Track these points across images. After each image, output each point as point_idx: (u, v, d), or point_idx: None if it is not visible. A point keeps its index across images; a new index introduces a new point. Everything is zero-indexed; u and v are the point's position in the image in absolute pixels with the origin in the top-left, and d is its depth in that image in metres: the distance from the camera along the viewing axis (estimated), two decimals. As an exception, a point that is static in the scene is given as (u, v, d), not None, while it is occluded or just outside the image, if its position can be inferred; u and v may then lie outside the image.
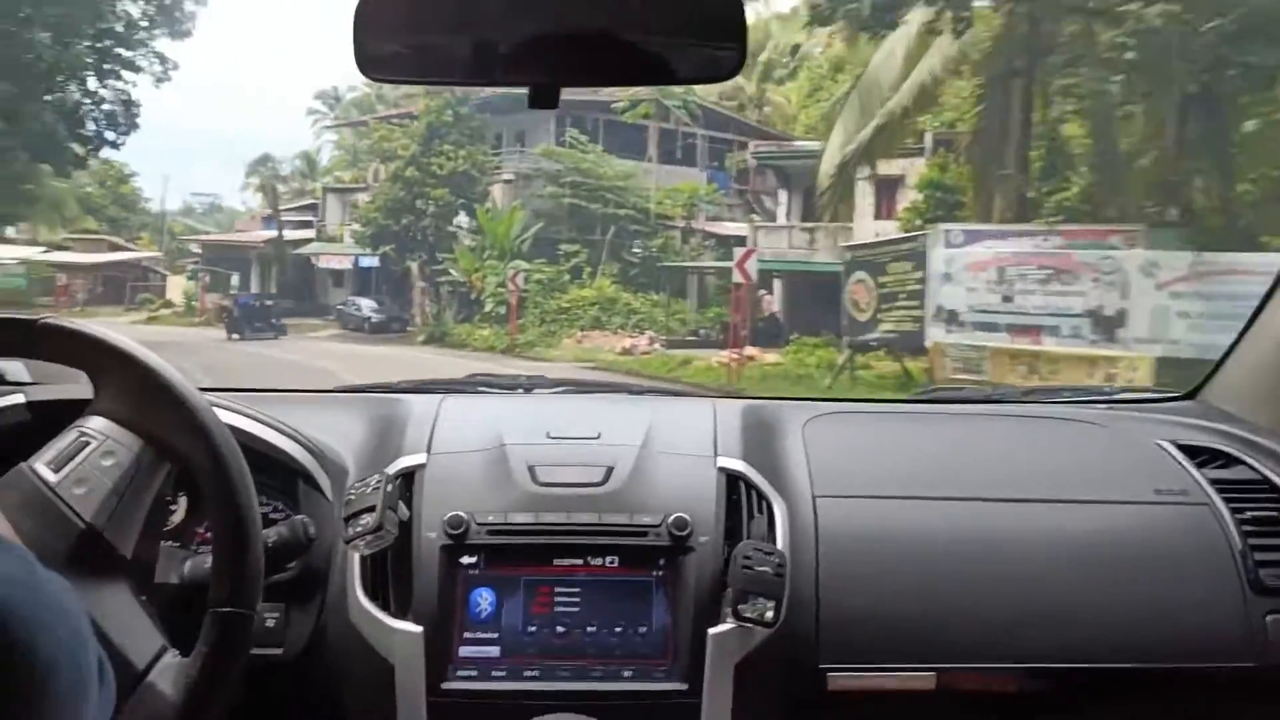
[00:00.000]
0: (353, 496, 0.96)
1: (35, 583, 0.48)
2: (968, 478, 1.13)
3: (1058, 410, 1.39)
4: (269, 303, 18.52)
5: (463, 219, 20.10)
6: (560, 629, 0.96)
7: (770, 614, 0.94)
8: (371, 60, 0.80)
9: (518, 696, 0.96)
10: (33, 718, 0.46)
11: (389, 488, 0.94)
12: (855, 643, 1.00)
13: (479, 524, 0.99)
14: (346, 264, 21.96)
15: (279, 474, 1.02)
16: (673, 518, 0.99)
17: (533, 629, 0.97)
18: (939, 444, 1.24)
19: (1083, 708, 1.08)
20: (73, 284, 22.08)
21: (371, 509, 0.94)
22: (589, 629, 0.96)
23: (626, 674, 0.96)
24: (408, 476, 1.02)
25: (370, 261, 21.37)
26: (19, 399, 1.02)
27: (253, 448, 0.91)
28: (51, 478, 0.78)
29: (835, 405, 1.35)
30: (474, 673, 0.96)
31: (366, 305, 20.54)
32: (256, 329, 16.95)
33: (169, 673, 0.75)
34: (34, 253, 22.63)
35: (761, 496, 1.02)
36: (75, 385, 0.85)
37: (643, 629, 0.96)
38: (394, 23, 0.80)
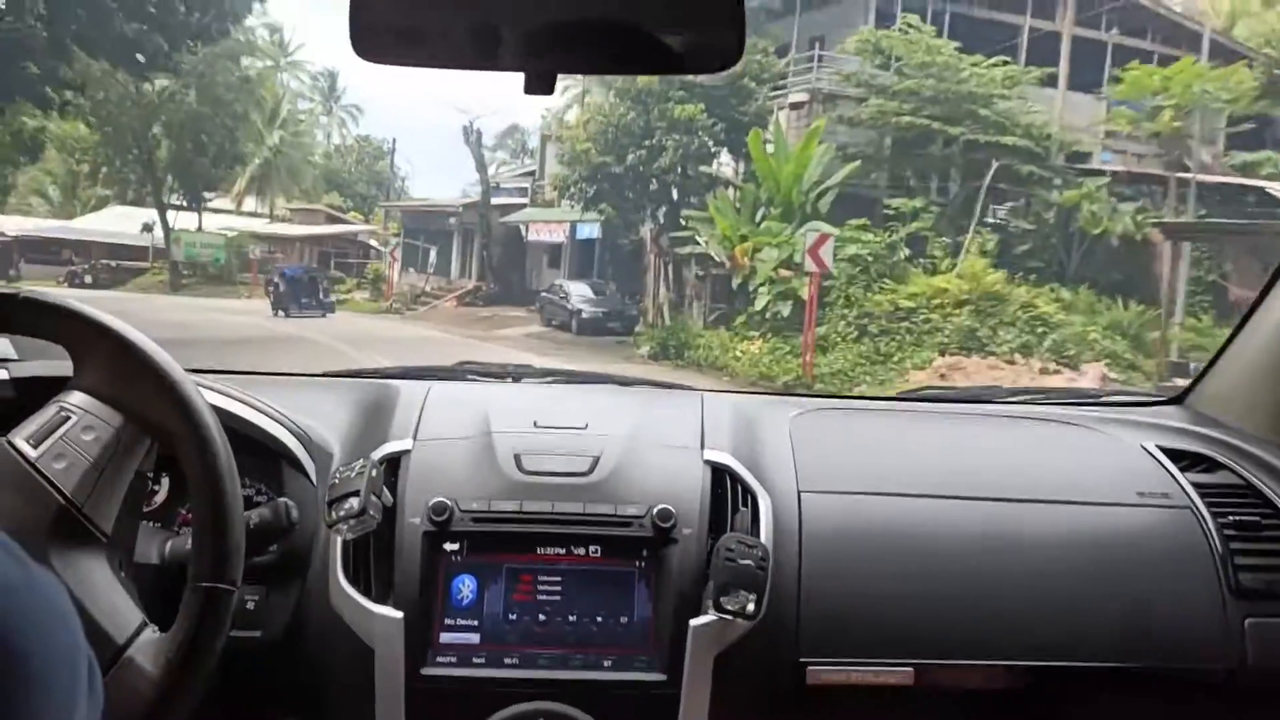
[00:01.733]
0: (337, 480, 1.04)
1: (30, 584, 0.51)
2: (952, 476, 1.28)
3: (1044, 411, 1.53)
4: (315, 275, 17.00)
5: (724, 161, 8.29)
6: (541, 617, 1.09)
7: (751, 607, 1.03)
8: (366, 42, 0.84)
9: (497, 684, 1.07)
10: None
11: (374, 472, 1.04)
12: (835, 637, 1.14)
13: (463, 511, 1.10)
14: (559, 234, 11.84)
15: (263, 456, 1.14)
16: (657, 509, 1.11)
17: (514, 617, 1.09)
18: (924, 442, 1.40)
19: (1060, 706, 1.24)
20: (273, 258, 20.87)
21: (356, 493, 1.02)
22: (570, 618, 1.09)
23: (606, 663, 1.08)
24: (393, 462, 1.15)
25: (589, 230, 11.36)
26: (2, 375, 1.08)
27: (237, 429, 1.03)
28: (31, 452, 0.84)
29: (822, 401, 1.52)
30: (454, 659, 1.08)
31: (577, 293, 15.44)
32: (304, 305, 15.23)
33: (148, 648, 0.82)
34: (256, 224, 23.02)
35: (746, 490, 1.17)
36: (60, 362, 0.94)
37: (624, 619, 1.09)
38: (389, 5, 0.85)
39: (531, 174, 19.71)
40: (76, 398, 0.87)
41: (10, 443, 0.84)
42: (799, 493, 1.21)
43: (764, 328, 11.09)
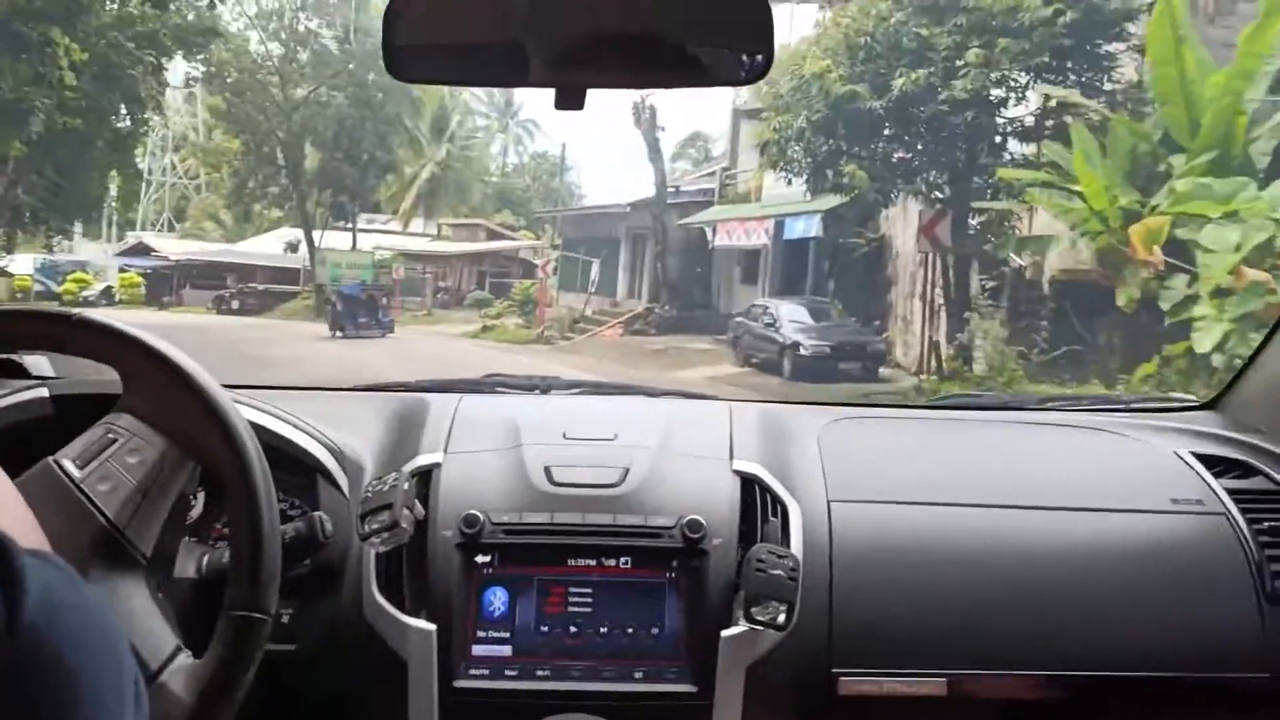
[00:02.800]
0: (369, 494, 1.18)
1: (82, 604, 0.56)
2: (983, 484, 1.41)
3: (1075, 418, 1.65)
4: (376, 292, 16.75)
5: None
6: (573, 629, 1.23)
7: (782, 617, 1.14)
8: (401, 60, 0.95)
9: (530, 696, 1.19)
10: None
11: (405, 486, 1.17)
12: (867, 647, 1.26)
13: (494, 523, 1.23)
14: (758, 236, 4.90)
15: (297, 470, 1.30)
16: (687, 520, 1.23)
17: (545, 629, 1.23)
18: (955, 450, 1.54)
19: (1095, 716, 1.33)
20: (424, 279, 19.84)
21: (388, 506, 1.13)
22: (602, 629, 1.23)
23: (638, 675, 1.20)
24: (424, 475, 1.31)
25: (803, 226, 4.09)
26: (43, 393, 1.22)
27: (271, 444, 1.16)
28: (77, 473, 0.93)
29: (852, 410, 1.64)
30: (486, 671, 1.21)
31: (790, 318, 11.26)
32: (360, 324, 15.34)
33: (181, 674, 0.90)
34: (418, 244, 21.35)
35: (776, 500, 1.31)
36: (99, 380, 1.07)
37: (655, 630, 1.23)
38: (423, 24, 0.95)
39: (722, 170, 14.99)
40: (124, 420, 0.97)
41: (58, 463, 0.94)
42: (829, 502, 1.33)
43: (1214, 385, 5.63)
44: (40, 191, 12.36)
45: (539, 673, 1.17)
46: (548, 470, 1.25)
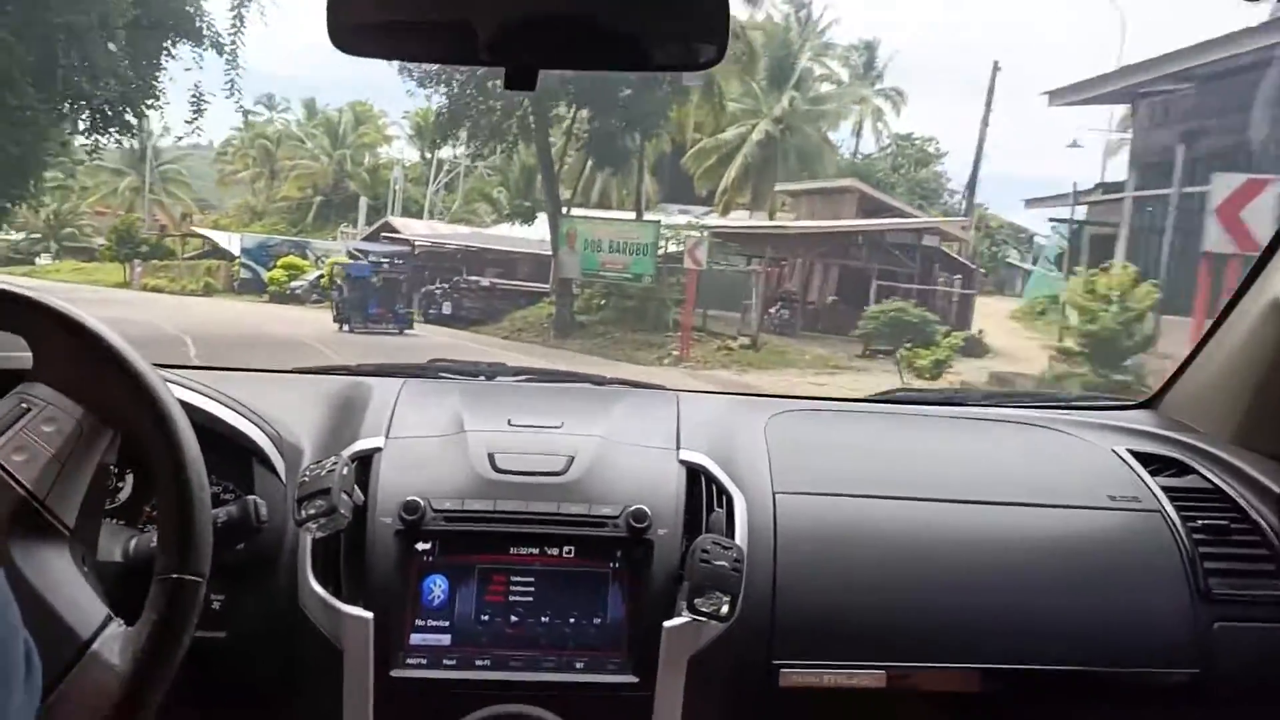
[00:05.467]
0: (307, 478, 1.14)
1: None
2: (925, 478, 1.42)
3: (1017, 414, 1.68)
4: (391, 278, 13.35)
5: None
6: (514, 618, 1.19)
7: (726, 609, 1.13)
8: (344, 34, 0.89)
9: (468, 686, 1.16)
10: None
11: (345, 470, 1.14)
12: (808, 640, 1.25)
13: (435, 510, 1.20)
14: None
15: (232, 453, 1.25)
16: (632, 509, 1.20)
17: (486, 617, 1.19)
18: (899, 444, 1.55)
19: (1029, 709, 1.35)
20: (745, 273, 13.51)
21: (326, 491, 1.10)
22: (543, 619, 1.19)
23: (579, 665, 1.18)
24: (364, 460, 1.27)
25: None
26: None
27: (205, 425, 1.12)
28: None
29: (798, 403, 1.64)
30: (424, 660, 1.17)
31: None
32: (371, 318, 12.65)
33: (115, 642, 0.87)
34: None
35: (721, 491, 1.29)
36: (21, 354, 1.00)
37: (597, 620, 1.20)
38: None
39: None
40: (37, 389, 0.94)
41: None
42: (774, 494, 1.32)
43: None
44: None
45: (478, 662, 1.14)
46: (491, 457, 1.23)
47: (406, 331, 13.31)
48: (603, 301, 13.97)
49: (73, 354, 0.90)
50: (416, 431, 1.27)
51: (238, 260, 18.00)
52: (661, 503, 1.17)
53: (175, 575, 0.85)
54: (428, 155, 23.08)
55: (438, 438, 1.26)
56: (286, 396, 1.37)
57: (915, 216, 15.17)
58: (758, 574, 1.18)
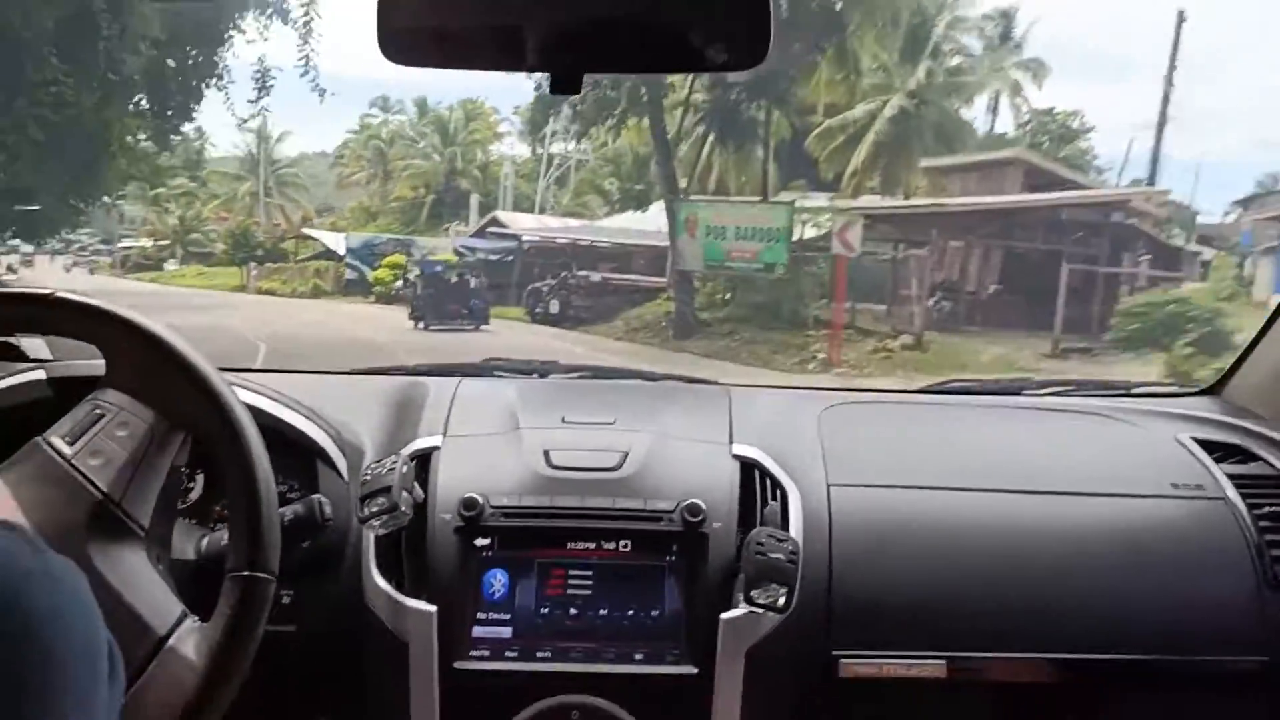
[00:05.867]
0: (369, 477, 1.20)
1: (49, 571, 0.55)
2: (983, 469, 1.44)
3: (1076, 403, 1.70)
4: (465, 273, 13.06)
5: None
6: (573, 611, 1.25)
7: (782, 600, 1.16)
8: (394, 45, 0.92)
9: (530, 677, 1.22)
10: (46, 712, 0.52)
11: (405, 469, 1.21)
12: (867, 630, 1.28)
13: (493, 506, 1.25)
14: None
15: (296, 454, 1.32)
16: (686, 504, 1.25)
17: (545, 611, 1.25)
18: (954, 435, 1.57)
19: (1093, 699, 1.37)
20: (901, 259, 11.63)
21: (387, 489, 1.16)
22: (602, 612, 1.25)
23: (638, 657, 1.23)
24: (423, 458, 1.34)
25: None
26: (39, 375, 1.27)
27: (270, 427, 1.20)
28: (67, 450, 0.97)
29: (851, 395, 1.67)
30: (487, 653, 1.23)
31: None
32: (447, 315, 12.50)
33: (190, 637, 0.94)
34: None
35: (776, 484, 1.33)
36: (96, 361, 1.07)
37: (655, 613, 1.25)
38: (417, 7, 0.94)
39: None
40: (110, 395, 1.00)
41: (47, 441, 0.97)
42: (828, 486, 1.34)
43: None
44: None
45: (539, 654, 1.19)
46: (546, 454, 1.27)
47: (482, 327, 12.71)
48: (728, 296, 12.36)
49: (142, 361, 0.96)
50: (473, 430, 1.33)
51: (344, 261, 17.98)
52: (716, 497, 1.21)
53: (247, 572, 0.91)
54: (538, 150, 22.61)
55: (494, 435, 1.32)
56: (346, 397, 1.43)
57: (1097, 190, 13.00)
58: (814, 566, 1.22)
